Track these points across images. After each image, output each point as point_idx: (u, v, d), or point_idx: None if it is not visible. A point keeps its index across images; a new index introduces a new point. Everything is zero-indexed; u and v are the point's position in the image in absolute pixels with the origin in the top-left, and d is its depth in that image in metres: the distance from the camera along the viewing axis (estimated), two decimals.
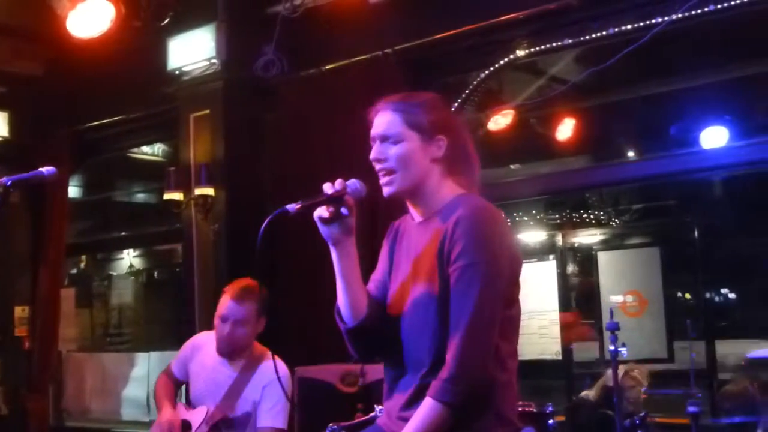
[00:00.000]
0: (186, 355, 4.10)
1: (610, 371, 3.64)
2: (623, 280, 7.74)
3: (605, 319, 7.33)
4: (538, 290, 7.16)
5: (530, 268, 7.35)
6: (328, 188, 2.35)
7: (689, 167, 5.61)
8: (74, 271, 9.87)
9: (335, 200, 2.35)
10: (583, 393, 4.41)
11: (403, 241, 2.56)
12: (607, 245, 9.43)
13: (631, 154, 7.80)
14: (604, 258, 8.04)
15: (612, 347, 3.31)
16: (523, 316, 7.48)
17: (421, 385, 2.32)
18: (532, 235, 9.97)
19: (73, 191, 8.21)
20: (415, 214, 2.50)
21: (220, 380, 3.90)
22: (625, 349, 3.67)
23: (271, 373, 3.76)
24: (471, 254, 2.26)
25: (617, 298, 7.70)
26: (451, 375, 2.22)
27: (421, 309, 2.37)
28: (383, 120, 2.43)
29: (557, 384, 7.26)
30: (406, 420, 2.30)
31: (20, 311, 7.02)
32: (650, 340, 7.39)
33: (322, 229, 2.40)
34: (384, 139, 2.42)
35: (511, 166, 8.21)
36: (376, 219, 4.79)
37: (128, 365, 7.21)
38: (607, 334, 3.97)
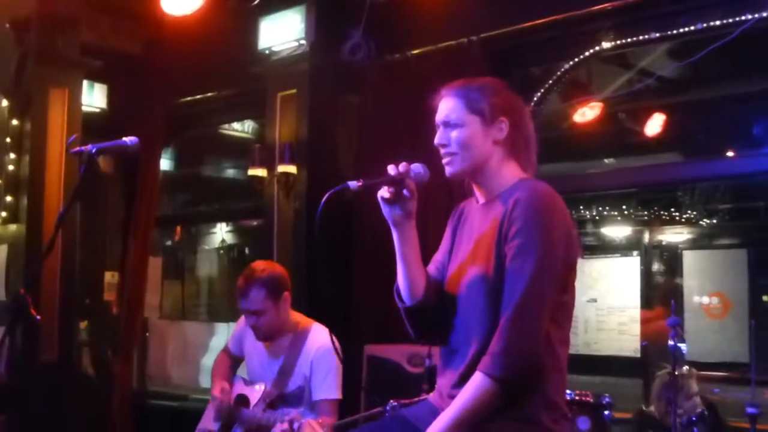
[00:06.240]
0: (240, 332, 4.19)
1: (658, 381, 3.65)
2: (708, 281, 7.60)
3: (688, 319, 7.23)
4: (620, 286, 7.10)
5: (613, 263, 7.29)
6: (391, 170, 2.43)
7: None
8: (168, 242, 10.14)
9: (397, 182, 2.43)
10: (651, 407, 4.36)
11: (466, 222, 2.62)
12: (693, 244, 9.26)
13: (722, 152, 7.64)
14: (689, 257, 7.91)
15: (672, 342, 3.31)
16: (602, 312, 7.41)
17: (471, 364, 2.37)
18: (618, 230, 9.85)
19: (167, 165, 8.45)
20: (479, 195, 2.57)
21: (271, 359, 3.98)
22: (684, 346, 3.66)
23: (318, 346, 3.84)
24: (528, 233, 2.31)
25: (701, 299, 7.57)
26: (501, 349, 2.26)
27: (474, 289, 2.43)
28: (446, 106, 2.50)
29: (633, 382, 7.18)
30: (454, 398, 2.35)
31: (110, 277, 7.27)
32: (732, 343, 7.25)
33: (384, 209, 2.48)
34: (446, 124, 2.49)
35: (605, 161, 8.12)
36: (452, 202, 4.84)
37: (209, 334, 7.41)
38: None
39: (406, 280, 2.54)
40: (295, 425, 3.54)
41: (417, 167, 2.46)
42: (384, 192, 2.45)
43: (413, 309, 2.56)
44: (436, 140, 2.50)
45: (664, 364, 3.94)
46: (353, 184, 2.37)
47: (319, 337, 3.89)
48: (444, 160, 2.50)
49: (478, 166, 2.48)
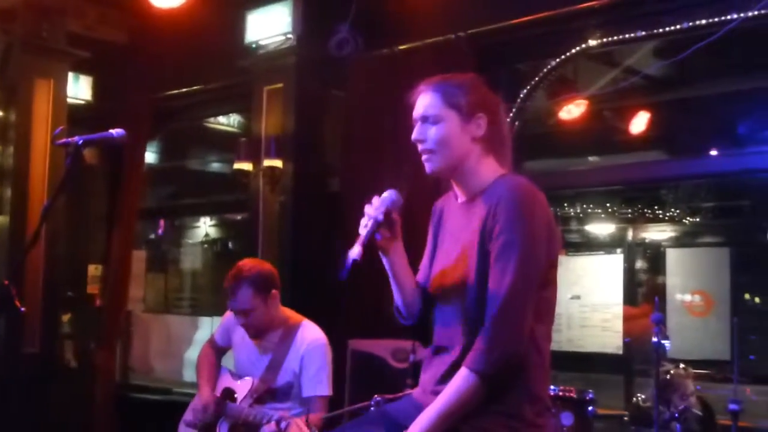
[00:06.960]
0: (229, 323, 4.16)
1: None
2: (691, 279, 7.62)
3: (670, 316, 7.24)
4: (603, 283, 7.09)
5: (597, 261, 7.28)
6: (371, 210, 2.45)
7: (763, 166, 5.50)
8: (152, 236, 10.10)
9: (384, 222, 2.45)
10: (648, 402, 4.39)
11: (447, 221, 2.62)
12: (677, 242, 9.29)
13: (706, 150, 7.66)
14: (673, 255, 7.93)
15: (655, 339, 3.33)
16: (585, 309, 7.40)
17: (456, 361, 2.38)
18: (601, 228, 9.86)
19: (151, 157, 8.41)
20: (458, 193, 2.57)
21: (260, 353, 3.98)
22: (668, 342, 3.68)
23: (309, 341, 3.85)
24: (510, 232, 2.32)
25: (684, 297, 7.59)
26: (485, 345, 2.28)
27: (458, 289, 2.44)
28: (423, 101, 2.50)
29: (616, 379, 7.19)
30: (438, 394, 2.36)
31: (93, 269, 7.27)
32: (714, 341, 7.27)
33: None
34: (424, 119, 2.49)
35: (590, 158, 8.13)
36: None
37: (192, 328, 7.39)
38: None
39: (401, 299, 2.60)
40: (283, 425, 3.54)
41: (391, 195, 2.48)
42: (381, 243, 2.49)
43: (417, 326, 2.62)
44: (414, 136, 2.50)
45: (664, 362, 3.97)
46: (355, 254, 2.35)
47: (310, 333, 3.90)
48: (423, 157, 2.50)
49: (456, 164, 2.48)
